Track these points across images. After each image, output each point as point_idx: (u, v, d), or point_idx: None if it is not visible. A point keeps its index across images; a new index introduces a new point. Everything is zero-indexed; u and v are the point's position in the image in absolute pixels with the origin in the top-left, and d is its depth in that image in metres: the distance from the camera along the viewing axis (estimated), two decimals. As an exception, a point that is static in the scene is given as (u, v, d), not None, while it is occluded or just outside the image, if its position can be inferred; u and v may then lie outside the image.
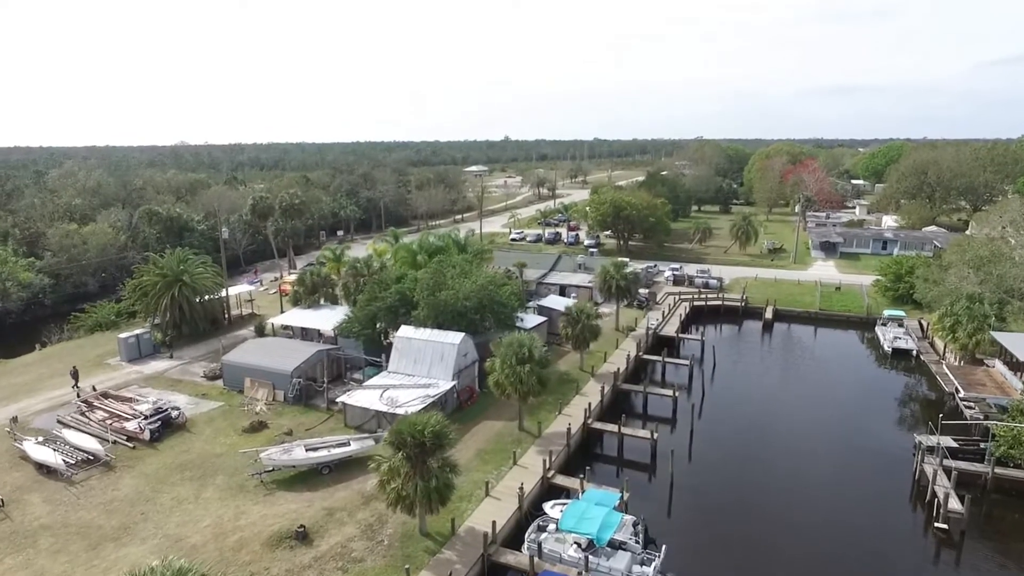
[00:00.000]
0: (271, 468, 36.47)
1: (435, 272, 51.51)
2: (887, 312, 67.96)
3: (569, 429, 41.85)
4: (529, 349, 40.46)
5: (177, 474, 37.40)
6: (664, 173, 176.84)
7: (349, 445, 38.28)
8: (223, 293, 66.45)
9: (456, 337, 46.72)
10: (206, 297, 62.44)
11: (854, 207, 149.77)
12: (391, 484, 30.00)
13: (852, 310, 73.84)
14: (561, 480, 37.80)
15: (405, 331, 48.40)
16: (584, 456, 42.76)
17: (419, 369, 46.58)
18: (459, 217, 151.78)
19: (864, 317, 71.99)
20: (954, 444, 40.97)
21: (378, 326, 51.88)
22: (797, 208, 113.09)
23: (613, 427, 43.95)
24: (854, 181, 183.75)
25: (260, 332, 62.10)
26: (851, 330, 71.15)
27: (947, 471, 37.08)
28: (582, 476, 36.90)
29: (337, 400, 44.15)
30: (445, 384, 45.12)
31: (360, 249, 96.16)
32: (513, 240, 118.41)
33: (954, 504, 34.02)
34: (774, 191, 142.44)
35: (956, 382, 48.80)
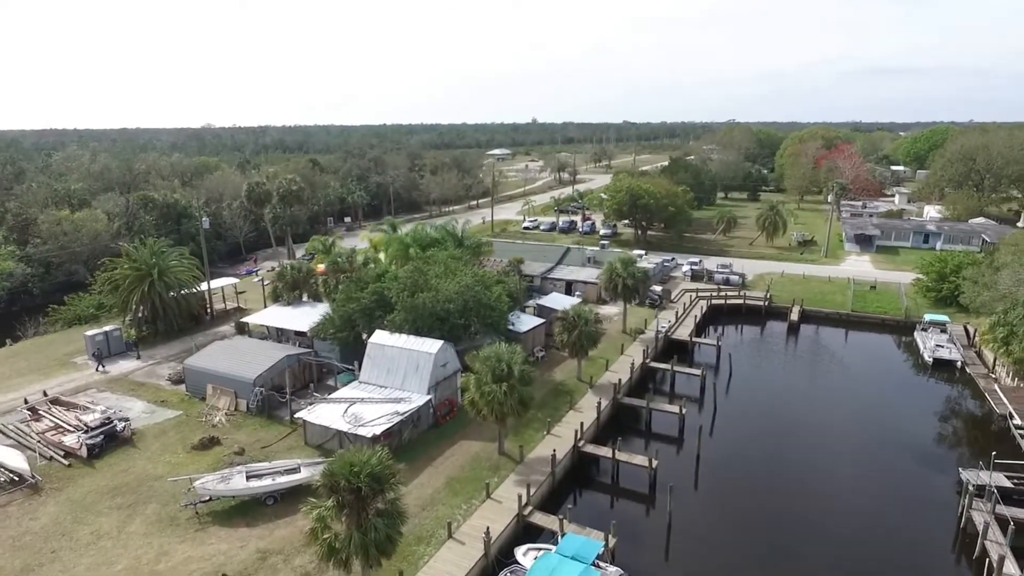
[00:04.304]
0: (207, 498, 32.06)
1: (414, 271, 46.47)
2: (928, 316, 60.97)
3: (554, 455, 36.65)
4: (508, 364, 35.20)
5: (107, 500, 33.28)
6: (690, 158, 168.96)
7: (299, 472, 33.69)
8: (203, 286, 62.42)
9: (433, 345, 41.70)
10: (183, 291, 58.47)
11: (893, 196, 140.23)
12: (323, 534, 25.24)
13: (888, 312, 66.87)
14: (539, 519, 32.71)
15: (379, 337, 43.56)
16: (572, 485, 37.65)
17: (392, 380, 41.76)
18: (474, 203, 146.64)
19: (902, 320, 65.02)
20: (1008, 484, 34.71)
21: (356, 328, 47.11)
22: (830, 197, 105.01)
23: (608, 452, 38.61)
24: (894, 167, 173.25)
25: (240, 330, 57.98)
26: (886, 334, 64.33)
27: (1000, 522, 31.02)
28: (562, 517, 31.71)
29: (296, 416, 39.53)
30: (419, 398, 40.22)
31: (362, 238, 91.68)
32: (525, 228, 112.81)
33: (1011, 569, 28.04)
34: (806, 178, 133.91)
35: (1010, 405, 42.27)
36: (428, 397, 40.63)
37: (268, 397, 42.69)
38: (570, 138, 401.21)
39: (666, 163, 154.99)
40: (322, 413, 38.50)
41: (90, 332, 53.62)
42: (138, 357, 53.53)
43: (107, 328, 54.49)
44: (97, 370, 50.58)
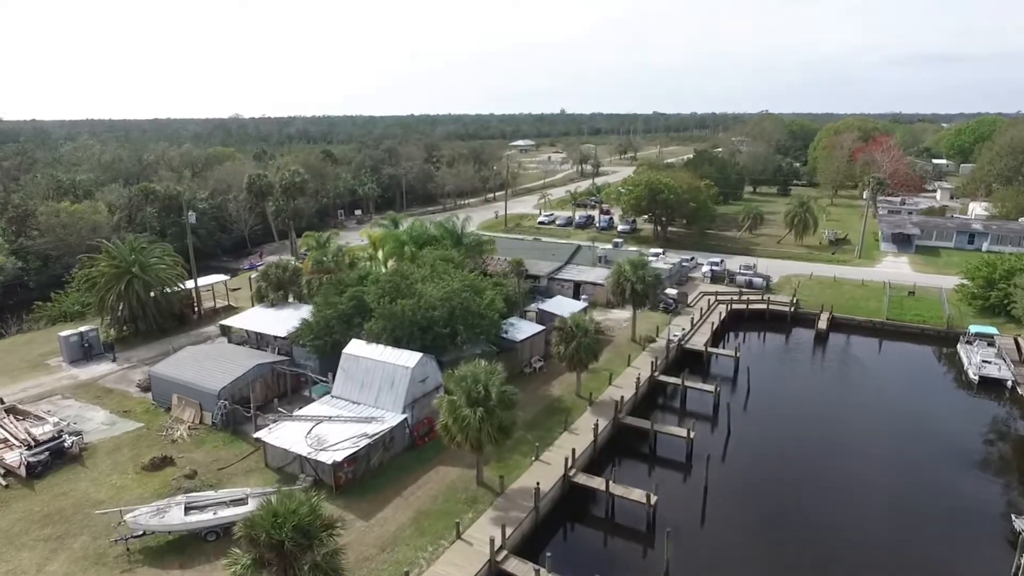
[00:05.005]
0: (140, 532, 28.54)
1: (394, 274, 42.45)
2: (974, 328, 54.89)
3: (537, 489, 32.23)
4: (485, 387, 30.96)
5: (36, 530, 30.00)
6: (718, 150, 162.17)
7: (246, 503, 29.92)
8: (189, 284, 59.36)
9: (411, 358, 37.65)
10: (165, 290, 55.42)
11: (935, 191, 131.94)
12: (242, 596, 21.43)
13: (928, 321, 60.79)
14: (514, 566, 28.42)
15: (354, 347, 39.68)
16: (558, 522, 33.33)
17: (365, 396, 37.88)
18: (491, 196, 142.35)
19: (943, 331, 58.95)
20: (1072, 538, 29.39)
21: (334, 336, 43.22)
22: (866, 192, 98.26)
23: (601, 484, 34.13)
24: (936, 161, 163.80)
25: (225, 332, 54.70)
26: (926, 346, 58.39)
27: (1064, 590, 25.86)
28: (539, 568, 27.42)
29: (255, 435, 35.81)
30: (393, 417, 36.25)
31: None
32: (541, 223, 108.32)
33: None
34: (841, 171, 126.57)
35: (1072, 438, 36.64)
36: (404, 416, 36.63)
37: (233, 411, 39.15)
38: (597, 129, 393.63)
39: (692, 155, 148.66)
40: (283, 433, 34.77)
41: (64, 333, 50.86)
42: (113, 360, 50.63)
43: (83, 329, 51.63)
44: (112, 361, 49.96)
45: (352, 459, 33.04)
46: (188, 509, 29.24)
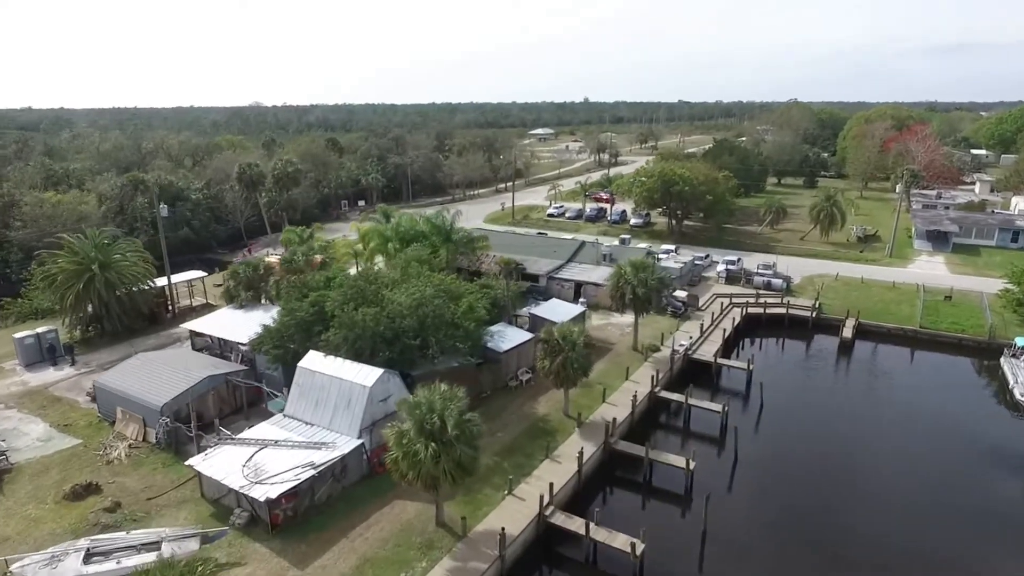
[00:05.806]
0: (32, 585, 24.59)
1: (358, 277, 37.95)
2: (1021, 340, 48.90)
3: (502, 535, 27.59)
4: (441, 416, 26.33)
5: (-75, 573, 26.24)
6: (742, 140, 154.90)
7: (159, 547, 25.81)
8: (161, 281, 55.63)
9: (370, 375, 33.17)
10: (133, 288, 51.75)
11: (974, 184, 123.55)
12: None
13: (967, 330, 54.68)
14: (466, 635, 23.96)
15: (311, 360, 35.31)
16: (528, 572, 28.70)
17: (320, 416, 33.55)
18: (501, 186, 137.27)
19: (985, 342, 52.91)
20: None
21: (293, 345, 38.93)
22: (899, 186, 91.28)
23: (581, 526, 29.39)
24: (974, 151, 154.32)
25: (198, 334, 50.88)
26: (964, 358, 52.45)
27: None
28: (490, 642, 22.90)
29: (187, 462, 31.63)
30: (347, 442, 31.85)
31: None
32: (550, 216, 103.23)
33: None
34: (872, 162, 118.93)
35: None
36: (359, 441, 32.21)
37: (175, 429, 35.11)
38: (620, 118, 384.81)
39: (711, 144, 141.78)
40: (219, 460, 30.56)
41: (19, 334, 47.45)
42: (72, 363, 47.14)
43: (40, 330, 48.16)
44: (71, 364, 46.83)
45: (292, 494, 28.75)
46: (90, 555, 25.23)
